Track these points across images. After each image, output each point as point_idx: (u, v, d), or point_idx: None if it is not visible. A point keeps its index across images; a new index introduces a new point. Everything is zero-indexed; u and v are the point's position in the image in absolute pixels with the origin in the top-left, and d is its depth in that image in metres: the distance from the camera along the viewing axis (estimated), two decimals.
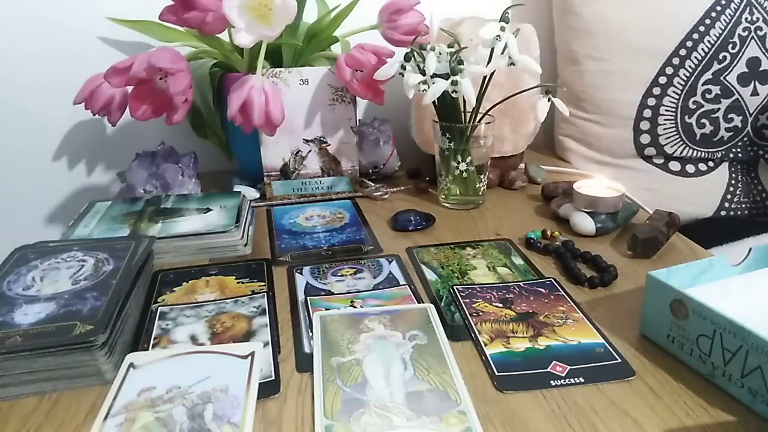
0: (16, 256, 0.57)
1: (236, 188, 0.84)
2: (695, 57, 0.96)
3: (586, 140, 1.03)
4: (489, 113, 0.75)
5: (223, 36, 0.80)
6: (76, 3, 0.94)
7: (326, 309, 0.53)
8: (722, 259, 0.51)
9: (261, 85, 0.72)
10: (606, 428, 0.39)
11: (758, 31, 0.95)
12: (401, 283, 0.59)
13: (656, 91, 0.97)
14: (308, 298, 0.56)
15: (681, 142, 1.00)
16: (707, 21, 0.95)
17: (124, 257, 0.56)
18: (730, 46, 0.95)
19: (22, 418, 0.41)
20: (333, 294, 0.57)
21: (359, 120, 0.93)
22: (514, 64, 0.70)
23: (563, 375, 0.44)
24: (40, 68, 0.95)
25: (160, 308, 0.54)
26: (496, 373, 0.44)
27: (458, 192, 0.79)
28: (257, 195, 0.84)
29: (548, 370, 0.45)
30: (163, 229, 0.66)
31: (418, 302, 0.55)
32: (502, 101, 0.76)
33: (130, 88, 0.73)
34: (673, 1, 0.96)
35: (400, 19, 0.82)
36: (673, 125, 0.99)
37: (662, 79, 0.97)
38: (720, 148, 1.01)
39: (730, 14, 0.95)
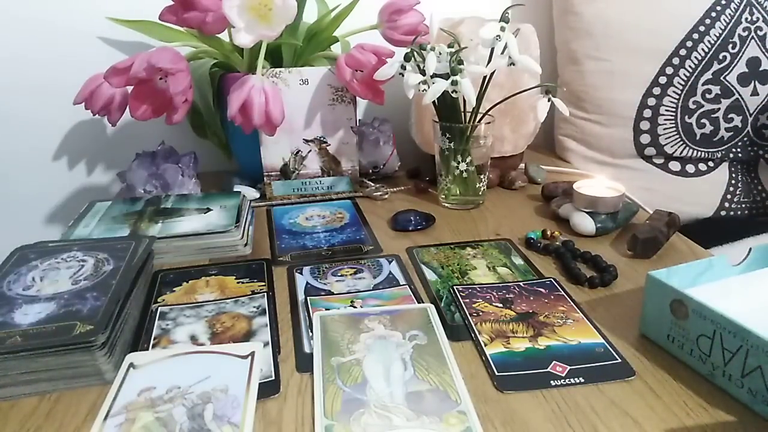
0: (16, 256, 0.57)
1: (236, 188, 0.84)
2: (695, 57, 0.96)
3: (586, 140, 1.03)
4: (489, 113, 0.75)
5: (223, 36, 0.80)
6: (76, 3, 0.94)
7: (326, 309, 0.53)
8: (722, 259, 0.51)
9: (261, 85, 0.72)
10: (606, 428, 0.39)
11: (758, 31, 0.95)
12: (401, 283, 0.59)
13: (656, 91, 0.97)
14: (308, 298, 0.56)
15: (681, 142, 0.99)
16: (707, 21, 0.95)
17: (124, 257, 0.56)
18: (730, 46, 0.95)
19: (22, 419, 0.41)
20: (333, 294, 0.57)
21: (359, 120, 0.93)
22: (514, 64, 0.70)
23: (563, 375, 0.44)
24: (40, 68, 0.95)
25: (160, 308, 0.54)
26: (496, 373, 0.44)
27: (458, 192, 0.79)
28: (257, 195, 0.84)
29: (548, 370, 0.45)
30: (163, 229, 0.66)
31: (418, 302, 0.55)
32: (502, 101, 0.76)
33: (130, 88, 0.73)
34: (673, 2, 0.96)
35: (400, 19, 0.82)
36: (673, 125, 0.99)
37: (662, 79, 0.97)
38: (720, 148, 1.01)
39: (730, 14, 0.95)
